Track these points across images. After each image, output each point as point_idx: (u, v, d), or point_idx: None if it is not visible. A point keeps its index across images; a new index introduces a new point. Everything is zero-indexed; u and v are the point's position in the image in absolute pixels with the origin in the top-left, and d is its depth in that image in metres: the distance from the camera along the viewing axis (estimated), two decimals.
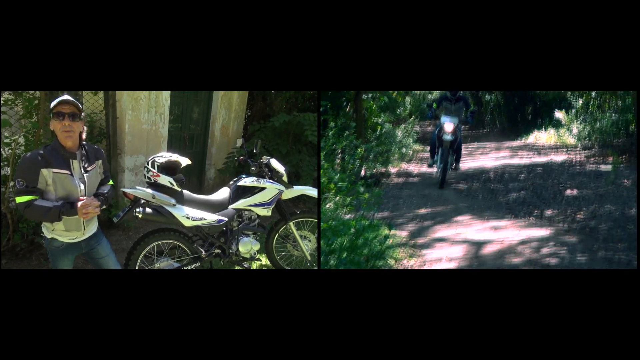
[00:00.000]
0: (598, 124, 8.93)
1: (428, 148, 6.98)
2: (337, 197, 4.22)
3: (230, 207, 3.78)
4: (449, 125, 6.15)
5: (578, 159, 8.01)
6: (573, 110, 9.77)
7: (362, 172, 6.62)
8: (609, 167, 6.92)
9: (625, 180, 6.09)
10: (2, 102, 3.84)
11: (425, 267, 3.85)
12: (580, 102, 9.36)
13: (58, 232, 2.62)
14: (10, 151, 3.92)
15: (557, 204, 5.38)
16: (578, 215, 4.90)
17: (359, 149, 6.03)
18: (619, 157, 7.40)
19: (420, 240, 4.45)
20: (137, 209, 3.34)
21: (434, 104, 6.51)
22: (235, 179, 3.99)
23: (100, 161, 2.74)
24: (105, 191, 2.75)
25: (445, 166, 6.21)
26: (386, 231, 4.16)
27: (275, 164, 3.98)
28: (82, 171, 2.59)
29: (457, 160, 6.56)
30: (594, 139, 9.00)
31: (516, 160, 8.33)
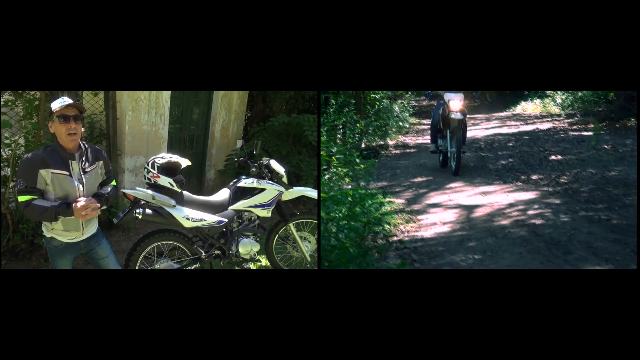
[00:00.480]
0: (580, 93, 9.50)
1: (424, 121, 6.68)
2: (339, 170, 4.37)
3: (230, 208, 3.78)
4: (455, 102, 5.38)
5: (562, 127, 8.57)
6: None
7: (363, 145, 6.99)
8: (590, 134, 7.37)
9: (606, 146, 6.47)
10: (2, 103, 3.85)
11: (421, 231, 4.05)
12: None
13: (57, 231, 2.62)
14: (10, 152, 3.92)
15: (542, 169, 5.75)
16: (562, 179, 5.21)
17: (358, 124, 6.38)
18: (600, 124, 7.81)
19: (416, 207, 4.73)
20: (137, 210, 3.34)
21: None
22: (235, 180, 3.99)
23: (101, 162, 2.74)
24: (106, 191, 2.75)
25: (459, 150, 5.43)
26: (382, 199, 4.31)
27: (275, 165, 3.98)
28: (81, 172, 2.60)
29: (464, 141, 5.82)
30: (576, 108, 9.69)
31: (505, 130, 8.89)
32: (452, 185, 5.39)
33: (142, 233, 4.04)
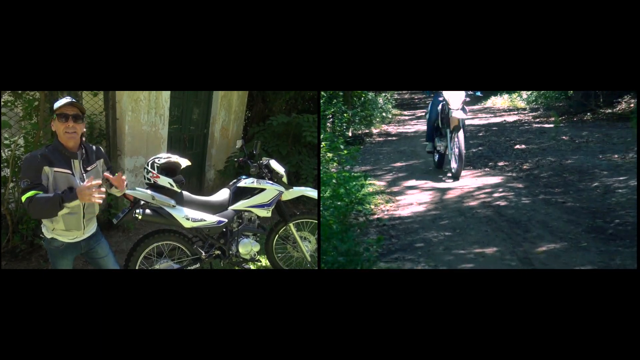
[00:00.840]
0: (543, 90, 10.72)
1: (405, 112, 6.86)
2: (326, 154, 4.78)
3: (230, 208, 3.78)
4: (455, 99, 4.97)
5: (526, 120, 9.68)
6: None
7: (350, 133, 7.85)
8: (550, 126, 8.30)
9: (564, 137, 7.28)
10: (2, 103, 3.84)
11: (399, 211, 4.47)
12: None
13: (58, 231, 2.62)
14: (10, 153, 3.92)
15: (507, 157, 6.38)
16: (524, 166, 5.76)
17: (346, 114, 7.07)
18: (559, 118, 8.86)
19: (395, 189, 5.26)
20: (137, 210, 3.34)
21: None
22: (235, 180, 3.99)
23: (101, 160, 2.76)
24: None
25: (460, 151, 4.95)
26: (363, 181, 4.78)
27: (274, 165, 3.98)
28: (82, 171, 2.61)
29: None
30: (539, 103, 11.06)
31: (476, 121, 9.88)
32: (428, 170, 6.06)
33: (142, 233, 4.04)
